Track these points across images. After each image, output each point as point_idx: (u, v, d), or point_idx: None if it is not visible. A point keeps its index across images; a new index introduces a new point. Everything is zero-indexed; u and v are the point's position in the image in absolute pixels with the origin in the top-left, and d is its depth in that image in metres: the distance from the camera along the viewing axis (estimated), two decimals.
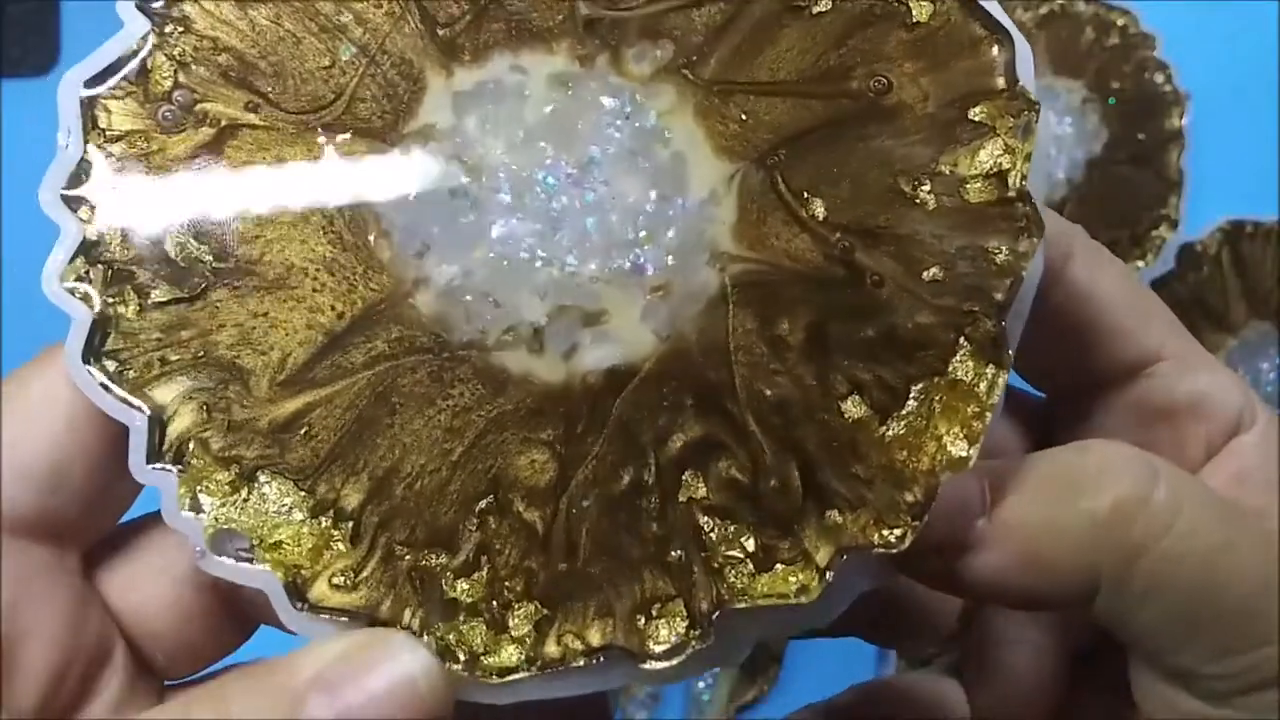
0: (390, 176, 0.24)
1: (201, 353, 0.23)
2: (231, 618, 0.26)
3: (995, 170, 0.23)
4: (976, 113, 0.24)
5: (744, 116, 0.24)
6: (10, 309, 0.58)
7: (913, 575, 0.24)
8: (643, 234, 0.23)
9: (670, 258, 0.23)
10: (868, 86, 0.24)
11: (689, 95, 0.24)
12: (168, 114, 0.24)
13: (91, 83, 0.24)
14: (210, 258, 0.24)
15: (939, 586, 0.24)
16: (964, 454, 0.23)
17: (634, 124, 0.24)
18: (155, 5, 0.24)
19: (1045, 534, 0.23)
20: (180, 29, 0.24)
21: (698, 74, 0.24)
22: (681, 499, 0.23)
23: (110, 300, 0.23)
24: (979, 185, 0.23)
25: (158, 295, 0.23)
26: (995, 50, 0.24)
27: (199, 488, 0.23)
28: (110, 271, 0.23)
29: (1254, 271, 0.61)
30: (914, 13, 0.24)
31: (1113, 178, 0.62)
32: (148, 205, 0.23)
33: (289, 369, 0.23)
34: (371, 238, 0.24)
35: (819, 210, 0.24)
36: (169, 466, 0.23)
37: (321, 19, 0.24)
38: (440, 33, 0.24)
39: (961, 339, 0.23)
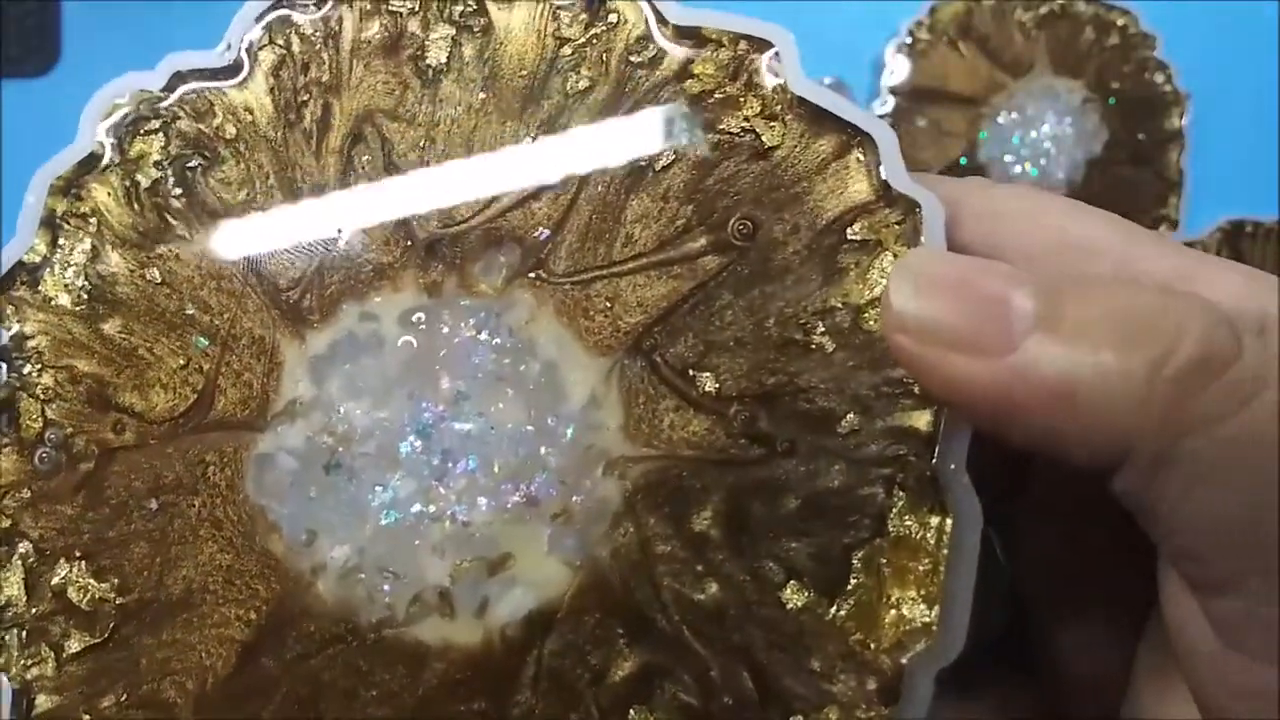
0: (266, 466, 0.25)
1: (125, 696, 0.25)
2: None
3: None
4: (856, 231, 0.23)
5: (609, 304, 0.24)
6: None
7: (920, 366, 0.20)
8: (528, 461, 0.24)
9: (563, 479, 0.23)
10: (732, 234, 0.24)
11: (546, 296, 0.24)
12: (45, 457, 0.26)
13: None
14: (114, 595, 0.25)
15: (936, 385, 0.20)
16: (927, 618, 0.22)
17: (495, 343, 0.25)
18: (3, 343, 0.26)
19: (1091, 373, 0.19)
20: (36, 366, 0.26)
21: (551, 271, 0.24)
22: None
23: (29, 663, 0.25)
24: (878, 310, 0.23)
25: (72, 645, 0.25)
26: (856, 155, 0.24)
27: None
28: (24, 634, 0.25)
29: None
30: (764, 138, 0.24)
31: (1113, 178, 0.61)
32: (43, 555, 0.24)
33: (209, 693, 0.24)
34: (261, 535, 0.25)
35: (708, 385, 0.23)
36: None
37: (169, 316, 0.26)
38: (284, 298, 0.25)
39: (895, 489, 0.23)
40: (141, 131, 0.26)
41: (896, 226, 0.23)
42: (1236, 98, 0.62)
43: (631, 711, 0.22)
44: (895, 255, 0.22)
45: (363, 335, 0.24)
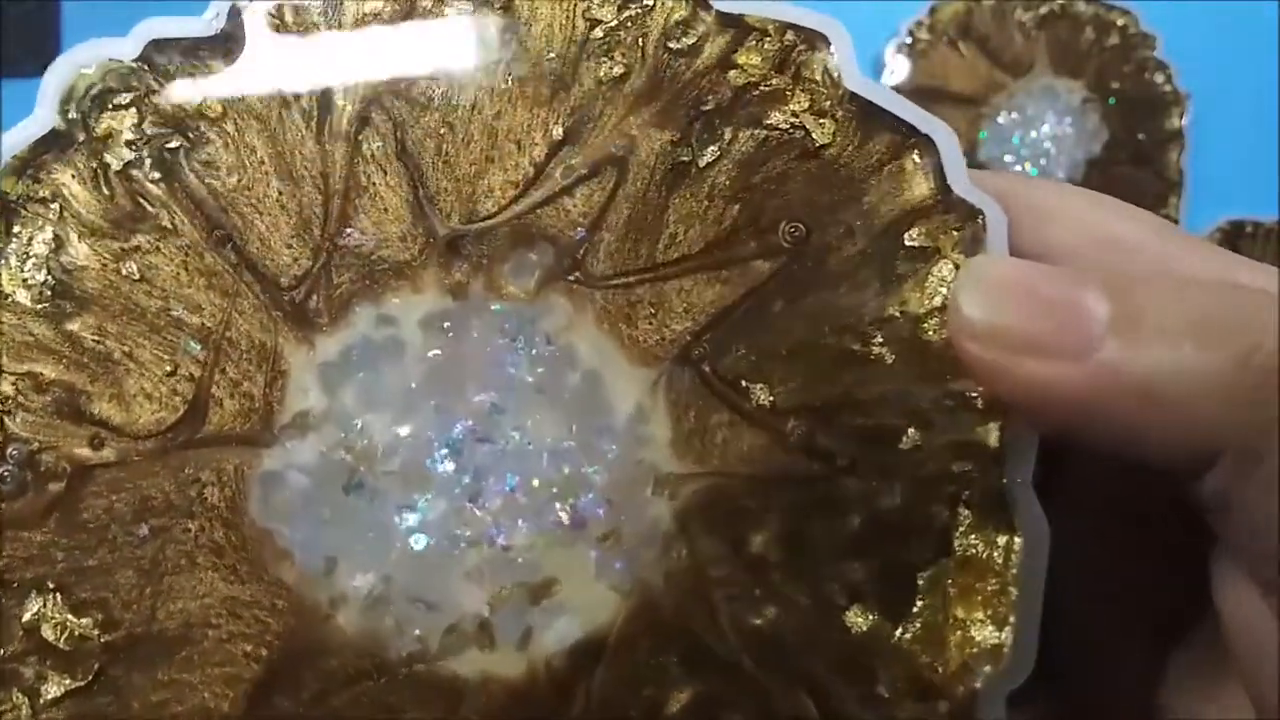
0: (273, 486, 0.22)
1: None
2: None
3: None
4: (913, 236, 0.23)
5: (653, 309, 0.23)
6: None
7: (993, 373, 0.20)
8: (572, 479, 0.22)
9: (609, 498, 0.22)
10: (783, 237, 0.23)
11: (584, 301, 0.22)
12: (6, 475, 0.23)
13: None
14: (97, 632, 0.22)
15: (1010, 391, 0.20)
16: (996, 640, 0.21)
17: (531, 351, 0.23)
18: None
19: (1175, 371, 0.19)
20: None
21: (588, 274, 0.23)
22: None
23: (1, 709, 0.22)
24: (937, 321, 0.22)
25: (51, 691, 0.22)
26: (915, 158, 0.23)
27: None
28: None
29: None
30: (814, 135, 0.23)
31: (1113, 178, 0.63)
32: (8, 588, 0.22)
33: None
34: (270, 562, 0.23)
35: (763, 397, 0.22)
36: None
37: (150, 317, 0.23)
38: (286, 298, 0.23)
39: (960, 507, 0.22)
40: (110, 106, 0.23)
41: (955, 233, 0.22)
42: (1236, 98, 0.64)
43: None
44: (954, 264, 0.22)
45: (380, 340, 0.22)
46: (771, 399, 0.22)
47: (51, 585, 0.22)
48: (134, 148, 0.23)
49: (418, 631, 0.21)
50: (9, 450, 0.22)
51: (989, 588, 0.21)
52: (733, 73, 0.23)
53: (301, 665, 0.22)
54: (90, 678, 0.22)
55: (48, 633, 0.22)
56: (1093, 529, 0.25)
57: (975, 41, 0.63)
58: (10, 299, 0.22)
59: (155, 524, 0.22)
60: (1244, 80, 0.64)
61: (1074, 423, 0.20)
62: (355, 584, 0.22)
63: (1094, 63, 0.64)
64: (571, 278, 0.22)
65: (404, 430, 0.22)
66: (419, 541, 0.22)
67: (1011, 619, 0.21)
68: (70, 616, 0.22)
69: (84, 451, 0.22)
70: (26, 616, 0.22)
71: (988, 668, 0.21)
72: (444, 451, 0.22)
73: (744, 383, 0.22)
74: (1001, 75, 0.63)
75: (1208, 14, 0.64)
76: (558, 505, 0.22)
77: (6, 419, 0.22)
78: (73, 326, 0.22)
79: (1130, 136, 0.64)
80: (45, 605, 0.22)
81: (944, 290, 0.22)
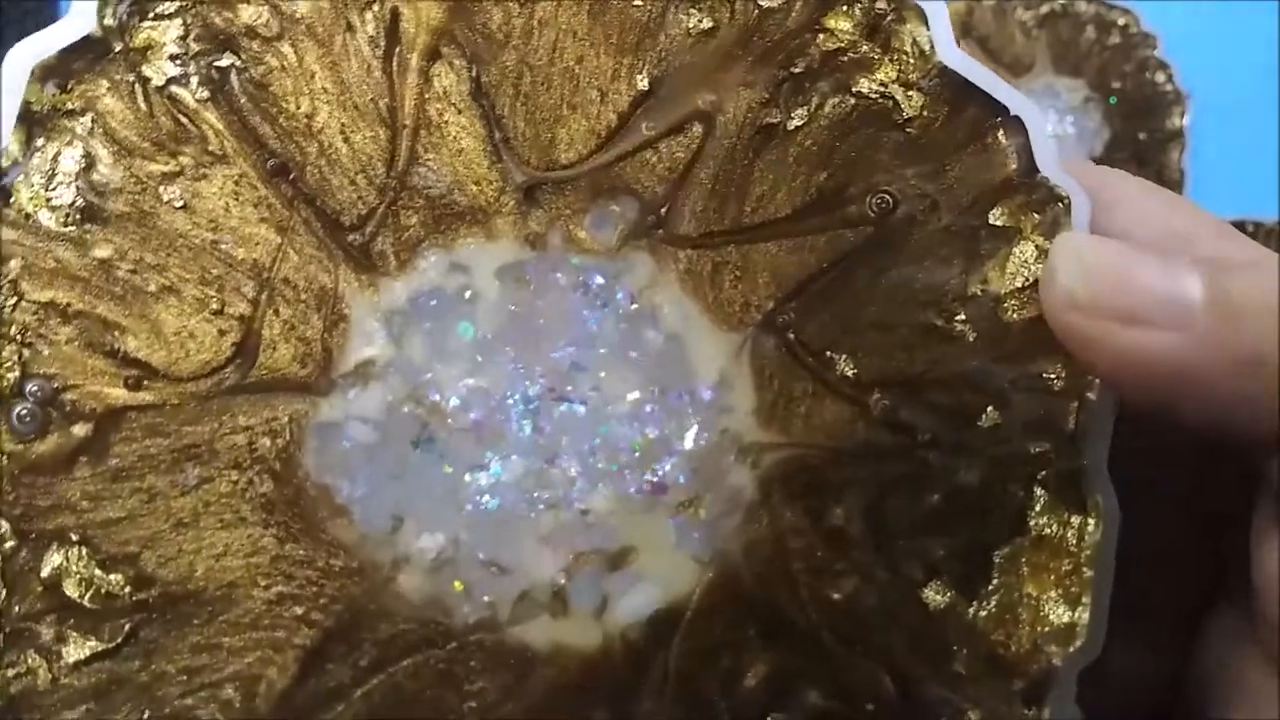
0: (331, 437, 0.21)
1: (146, 715, 0.20)
2: None
3: (1031, 280, 0.23)
4: (997, 215, 0.23)
5: (738, 273, 0.22)
6: None
7: (1092, 342, 0.20)
8: (655, 444, 0.21)
9: (692, 465, 0.21)
10: (870, 208, 0.23)
11: (669, 261, 0.21)
12: (24, 414, 0.21)
13: None
14: (128, 589, 0.20)
15: (1110, 361, 0.21)
16: (1068, 619, 0.22)
17: (613, 310, 0.22)
18: None
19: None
20: (9, 299, 0.21)
21: (673, 232, 0.22)
22: None
23: (12, 674, 0.20)
24: (1017, 302, 0.22)
25: (72, 654, 0.20)
26: (1002, 137, 0.23)
27: None
28: (2, 637, 0.20)
29: None
30: (903, 107, 0.23)
31: None
32: (25, 539, 0.20)
33: (263, 708, 0.21)
34: (326, 519, 0.21)
35: (847, 368, 0.22)
36: None
37: (193, 249, 0.21)
38: (349, 239, 0.22)
39: (1036, 488, 0.22)
40: (150, 15, 0.21)
41: (1036, 215, 0.22)
42: (1236, 98, 0.64)
43: (768, 719, 0.21)
44: (1036, 246, 0.22)
45: (452, 290, 0.21)
46: (855, 370, 0.22)
47: (75, 538, 0.20)
48: (179, 62, 0.21)
49: (487, 597, 0.20)
50: (28, 386, 0.20)
51: (1062, 567, 0.21)
52: (822, 36, 0.22)
53: (358, 631, 0.20)
54: (119, 639, 0.20)
55: (71, 589, 0.20)
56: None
57: (975, 41, 0.64)
58: (31, 220, 0.20)
59: (197, 474, 0.20)
60: (1244, 80, 0.65)
61: (1172, 392, 0.20)
62: (421, 544, 0.20)
63: (1095, 62, 0.65)
64: (656, 235, 0.22)
65: (478, 385, 0.21)
66: (492, 501, 0.21)
67: (1084, 598, 0.21)
68: (98, 572, 0.20)
69: (117, 391, 0.20)
70: (46, 571, 0.20)
71: (1062, 646, 0.21)
72: (521, 409, 0.21)
73: (828, 353, 0.22)
74: (1002, 74, 0.65)
75: (1208, 14, 0.65)
76: (639, 470, 0.21)
77: (25, 351, 0.20)
78: (103, 254, 0.20)
79: (1131, 136, 0.65)
80: (68, 559, 0.20)
81: (1025, 272, 0.22)
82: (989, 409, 0.22)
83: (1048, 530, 0.21)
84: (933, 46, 0.22)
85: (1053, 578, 0.21)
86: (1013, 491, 0.22)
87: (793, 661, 0.21)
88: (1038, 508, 0.22)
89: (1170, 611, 0.25)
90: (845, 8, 0.22)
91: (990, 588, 0.21)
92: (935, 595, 0.21)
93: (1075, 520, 0.21)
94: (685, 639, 0.21)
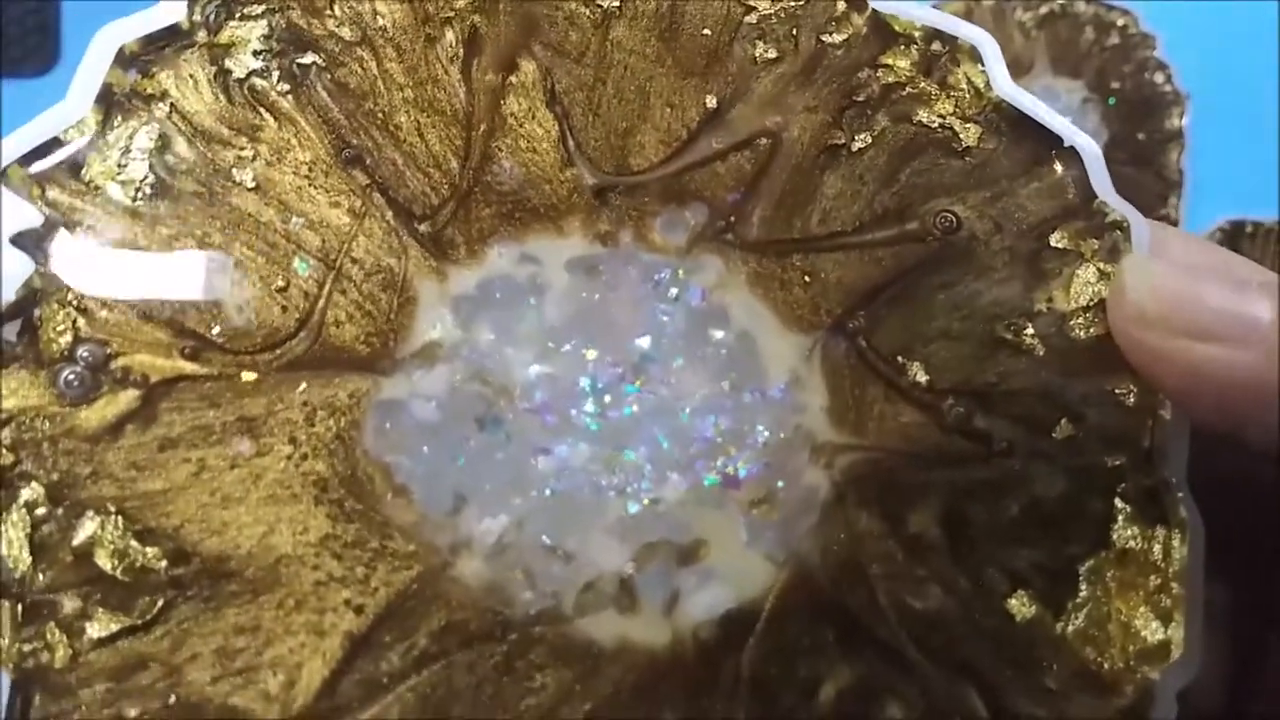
0: (393, 415, 0.20)
1: (173, 699, 0.19)
2: None
3: (1096, 300, 0.23)
4: (1057, 239, 0.23)
5: (807, 279, 0.22)
6: None
7: (1163, 358, 0.20)
8: (729, 436, 0.21)
9: (764, 460, 0.21)
10: (934, 225, 0.23)
11: (738, 263, 0.22)
12: (72, 378, 0.20)
13: None
14: (164, 563, 0.19)
15: (1180, 377, 0.20)
16: (1162, 635, 0.21)
17: (684, 305, 0.22)
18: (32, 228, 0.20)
19: None
20: None
21: (742, 237, 0.22)
22: None
23: (28, 649, 0.19)
24: (1083, 320, 0.22)
25: (96, 630, 0.19)
26: (1059, 167, 0.24)
27: None
28: (21, 607, 0.19)
29: None
30: (962, 138, 0.24)
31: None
32: (59, 505, 0.18)
33: (302, 698, 0.19)
34: (384, 499, 0.20)
35: (919, 375, 0.22)
36: None
37: (262, 228, 0.21)
38: (421, 228, 0.22)
39: (1117, 500, 0.22)
40: (238, 15, 0.22)
41: (1095, 241, 0.22)
42: (1236, 98, 0.64)
43: None
44: (1098, 269, 0.22)
45: (522, 278, 0.21)
46: (927, 377, 0.21)
47: (113, 508, 0.19)
48: (261, 58, 0.21)
49: (551, 588, 0.19)
50: (79, 351, 0.19)
51: (1151, 583, 0.20)
52: (881, 71, 0.23)
53: (411, 618, 0.19)
54: (149, 616, 0.18)
55: (103, 560, 0.18)
56: None
57: None
58: (101, 192, 0.20)
59: (247, 447, 0.19)
60: (1244, 80, 0.64)
61: (1240, 410, 0.20)
62: (483, 527, 0.19)
63: (1094, 63, 0.65)
64: (726, 239, 0.22)
65: (546, 370, 0.20)
66: (560, 483, 0.20)
67: (1176, 615, 0.20)
68: (133, 543, 0.19)
69: (171, 361, 0.19)
70: (78, 540, 0.18)
71: (1158, 663, 0.20)
72: (590, 395, 0.20)
73: (900, 359, 0.21)
74: None
75: (1208, 14, 0.65)
76: (711, 462, 0.20)
77: (80, 318, 0.19)
78: (169, 230, 0.20)
79: (1130, 136, 0.64)
80: (103, 528, 0.19)
81: (1089, 291, 0.22)
82: (1063, 421, 0.21)
83: (1132, 544, 0.21)
84: (988, 83, 0.23)
85: (1141, 593, 0.20)
86: (1092, 505, 0.21)
87: (874, 673, 0.20)
88: (1120, 520, 0.21)
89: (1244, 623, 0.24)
90: (903, 47, 0.24)
91: (1077, 601, 0.20)
92: (1022, 607, 0.20)
93: (1160, 535, 0.21)
94: (760, 642, 0.19)
